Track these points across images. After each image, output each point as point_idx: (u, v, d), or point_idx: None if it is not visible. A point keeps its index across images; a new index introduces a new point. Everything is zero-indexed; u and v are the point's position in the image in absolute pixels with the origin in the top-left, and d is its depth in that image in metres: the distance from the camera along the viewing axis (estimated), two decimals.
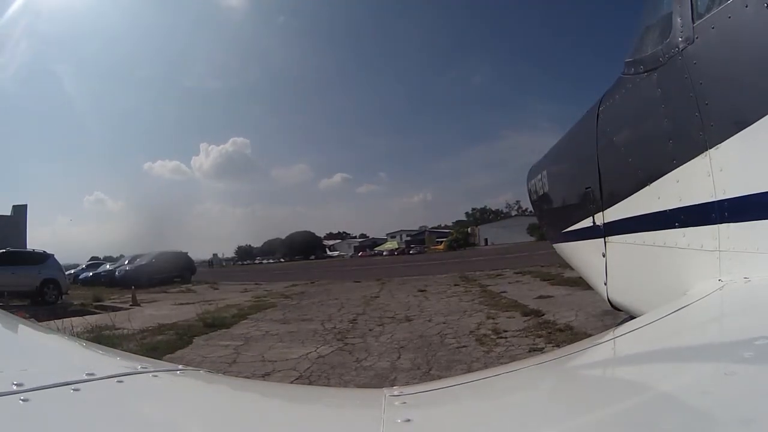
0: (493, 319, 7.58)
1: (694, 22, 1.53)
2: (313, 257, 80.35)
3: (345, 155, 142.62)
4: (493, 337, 6.23)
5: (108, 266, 26.91)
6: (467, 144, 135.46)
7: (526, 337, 6.10)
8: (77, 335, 6.54)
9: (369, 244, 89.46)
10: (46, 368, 1.04)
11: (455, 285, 14.14)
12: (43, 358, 1.21)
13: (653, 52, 1.79)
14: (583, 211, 2.64)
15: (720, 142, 1.41)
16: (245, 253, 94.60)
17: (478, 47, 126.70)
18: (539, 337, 5.97)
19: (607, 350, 1.31)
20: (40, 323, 3.19)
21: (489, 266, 20.59)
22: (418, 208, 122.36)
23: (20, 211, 29.97)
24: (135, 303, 13.42)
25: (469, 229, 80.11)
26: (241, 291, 17.19)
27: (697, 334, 1.21)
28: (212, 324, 8.53)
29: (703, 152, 1.47)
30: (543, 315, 7.43)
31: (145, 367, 1.04)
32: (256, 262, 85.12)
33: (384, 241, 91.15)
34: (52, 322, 7.94)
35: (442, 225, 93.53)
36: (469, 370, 4.71)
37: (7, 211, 29.41)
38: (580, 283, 5.51)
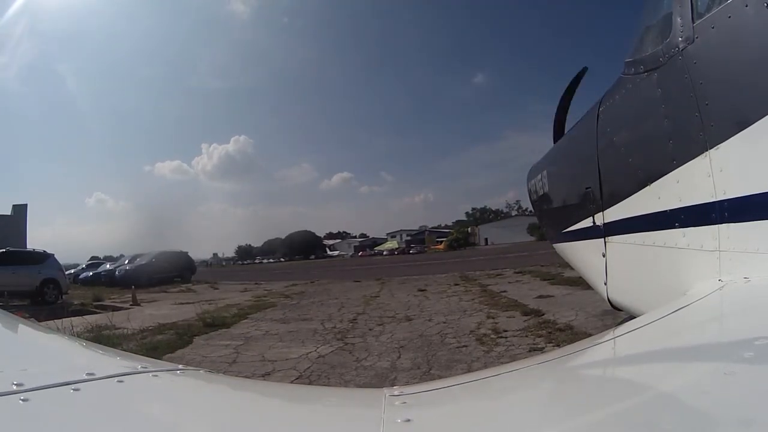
0: (493, 318, 7.58)
1: (694, 22, 1.52)
2: (313, 257, 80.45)
3: (346, 155, 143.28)
4: (493, 336, 6.23)
5: (108, 266, 27.00)
6: (468, 144, 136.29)
7: (526, 336, 6.10)
8: (77, 335, 6.55)
9: (369, 244, 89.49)
10: (46, 368, 1.04)
11: (455, 284, 14.13)
12: (43, 358, 1.21)
13: (653, 52, 1.78)
14: (583, 211, 2.64)
15: (720, 143, 1.40)
16: (245, 253, 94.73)
17: (478, 47, 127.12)
18: (539, 337, 5.97)
19: (607, 350, 1.31)
20: (40, 323, 3.19)
21: (489, 266, 20.59)
22: (418, 207, 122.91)
23: (20, 210, 29.95)
24: (135, 303, 13.44)
25: (469, 229, 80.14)
26: (241, 290, 17.19)
27: (697, 334, 1.20)
28: (212, 324, 8.54)
29: (703, 152, 1.47)
30: (543, 315, 7.43)
31: (145, 367, 1.03)
32: (256, 261, 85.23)
33: (384, 240, 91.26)
34: (52, 321, 7.92)
35: (443, 225, 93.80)
36: (469, 370, 4.71)
37: (7, 211, 29.43)
38: (580, 282, 5.52)
